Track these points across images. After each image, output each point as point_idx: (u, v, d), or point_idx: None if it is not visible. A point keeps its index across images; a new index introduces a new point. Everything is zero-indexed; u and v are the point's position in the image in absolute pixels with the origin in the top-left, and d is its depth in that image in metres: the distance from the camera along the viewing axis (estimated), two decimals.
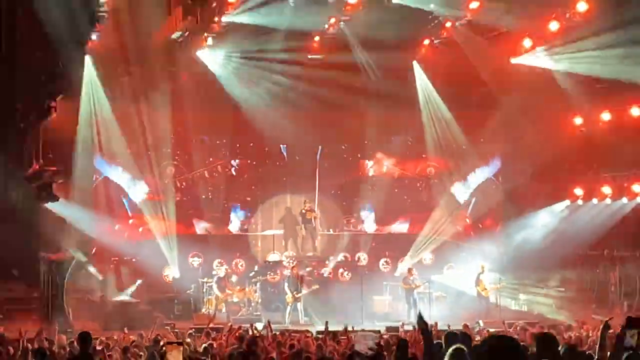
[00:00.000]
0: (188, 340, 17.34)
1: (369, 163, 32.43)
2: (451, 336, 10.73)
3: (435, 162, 32.49)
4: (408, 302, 27.14)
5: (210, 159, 31.26)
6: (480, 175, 32.07)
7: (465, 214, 32.40)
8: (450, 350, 7.89)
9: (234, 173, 31.53)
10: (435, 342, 11.16)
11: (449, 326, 20.59)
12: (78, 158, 26.87)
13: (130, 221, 29.77)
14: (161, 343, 16.71)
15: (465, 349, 7.97)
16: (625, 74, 25.20)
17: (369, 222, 32.01)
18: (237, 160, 31.69)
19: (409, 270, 27.96)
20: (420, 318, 9.49)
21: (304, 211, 30.40)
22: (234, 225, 31.28)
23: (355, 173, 32.33)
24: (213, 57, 29.07)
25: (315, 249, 30.82)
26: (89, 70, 27.43)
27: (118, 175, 29.37)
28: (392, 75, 30.07)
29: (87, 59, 27.07)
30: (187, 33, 26.92)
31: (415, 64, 30.61)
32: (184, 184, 31.07)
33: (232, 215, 31.21)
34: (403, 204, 32.46)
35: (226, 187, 31.28)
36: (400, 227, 32.20)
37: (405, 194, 32.59)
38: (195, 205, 31.07)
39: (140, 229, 29.85)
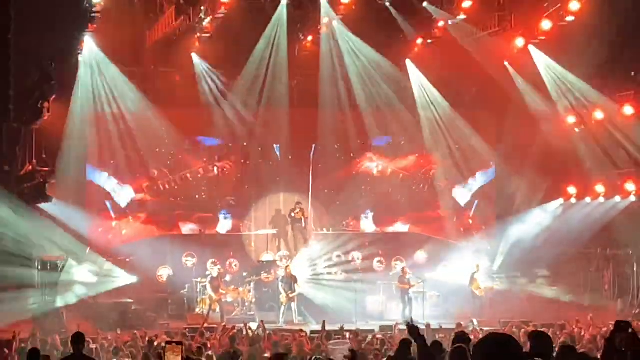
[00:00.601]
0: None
1: (363, 162, 32.37)
2: (459, 337, 10.72)
3: (430, 162, 32.51)
4: (403, 301, 27.12)
5: (204, 160, 31.16)
6: (480, 178, 32.21)
7: (468, 215, 32.50)
8: (452, 347, 7.91)
9: (215, 172, 31.21)
10: (433, 341, 11.17)
11: (440, 326, 20.69)
12: (70, 158, 26.89)
13: (114, 223, 29.67)
14: (155, 343, 16.77)
15: (465, 347, 7.98)
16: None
17: (368, 223, 32.02)
18: (219, 163, 31.34)
19: (403, 269, 27.98)
20: (411, 326, 9.28)
21: (293, 214, 30.31)
22: (222, 228, 31.20)
23: (349, 172, 32.26)
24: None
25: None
26: (82, 70, 27.42)
27: (103, 180, 29.41)
28: (385, 74, 30.06)
29: (80, 59, 27.06)
30: (179, 33, 26.93)
31: (408, 62, 30.59)
32: (174, 186, 30.90)
33: (221, 218, 31.12)
34: (398, 204, 32.39)
35: (218, 188, 31.15)
36: (400, 228, 32.23)
37: (399, 193, 32.52)
38: (186, 206, 30.91)
39: (124, 232, 29.76)
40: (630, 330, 9.12)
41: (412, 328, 9.11)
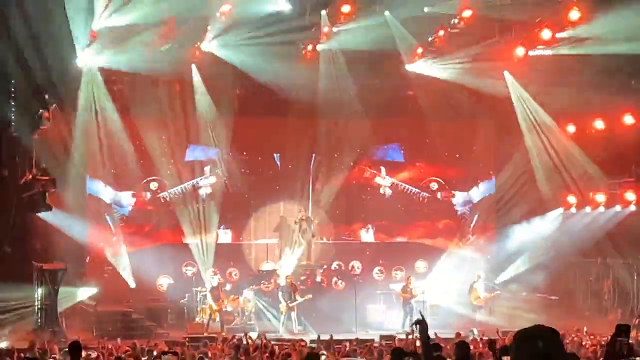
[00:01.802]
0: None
1: (364, 172, 32.34)
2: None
3: (431, 172, 32.50)
4: (404, 311, 27.09)
5: (204, 169, 31.11)
6: (480, 189, 32.23)
7: (468, 230, 32.46)
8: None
9: (216, 182, 31.02)
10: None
11: (435, 334, 20.64)
12: (72, 168, 26.90)
13: (114, 238, 29.54)
14: (155, 353, 16.74)
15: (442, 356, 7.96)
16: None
17: (368, 236, 32.02)
18: (220, 172, 31.11)
19: (408, 278, 27.96)
20: (422, 327, 9.05)
21: (298, 221, 30.26)
22: (222, 238, 31.04)
23: (349, 182, 32.22)
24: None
25: (309, 258, 30.69)
26: (86, 80, 27.36)
27: (101, 190, 29.35)
28: (386, 83, 30.02)
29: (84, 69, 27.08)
30: (178, 43, 26.94)
31: (409, 69, 30.43)
32: (173, 196, 30.84)
33: (220, 228, 31.01)
34: (399, 214, 32.34)
35: (218, 197, 30.97)
36: (400, 238, 32.20)
37: (400, 203, 32.47)
38: (186, 216, 30.78)
39: (123, 246, 29.65)
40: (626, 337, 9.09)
41: (422, 322, 8.93)
